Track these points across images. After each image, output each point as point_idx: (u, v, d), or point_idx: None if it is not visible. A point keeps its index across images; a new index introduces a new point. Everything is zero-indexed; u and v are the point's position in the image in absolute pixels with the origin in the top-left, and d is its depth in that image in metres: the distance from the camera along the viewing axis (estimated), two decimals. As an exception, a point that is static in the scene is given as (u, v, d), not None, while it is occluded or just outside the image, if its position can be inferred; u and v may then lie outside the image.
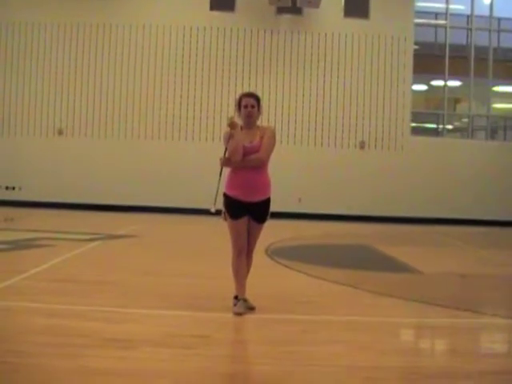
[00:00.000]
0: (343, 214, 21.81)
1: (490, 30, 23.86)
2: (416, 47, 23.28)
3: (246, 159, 6.41)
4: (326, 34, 22.79)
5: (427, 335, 6.30)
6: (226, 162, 6.49)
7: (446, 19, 23.85)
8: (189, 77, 22.55)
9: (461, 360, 5.23)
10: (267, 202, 6.60)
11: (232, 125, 6.41)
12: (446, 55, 23.49)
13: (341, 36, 22.80)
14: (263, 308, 6.64)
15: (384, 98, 22.72)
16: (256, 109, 6.57)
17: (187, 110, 22.49)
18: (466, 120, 24.72)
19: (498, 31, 24.30)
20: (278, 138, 6.76)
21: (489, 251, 14.61)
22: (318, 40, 22.77)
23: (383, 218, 21.70)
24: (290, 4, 21.36)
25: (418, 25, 23.47)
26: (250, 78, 22.38)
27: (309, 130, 22.62)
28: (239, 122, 6.59)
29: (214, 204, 6.64)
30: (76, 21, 22.41)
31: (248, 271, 6.71)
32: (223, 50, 22.61)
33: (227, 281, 6.94)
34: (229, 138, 6.41)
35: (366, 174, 22.30)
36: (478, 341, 6.20)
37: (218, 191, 6.66)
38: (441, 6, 23.93)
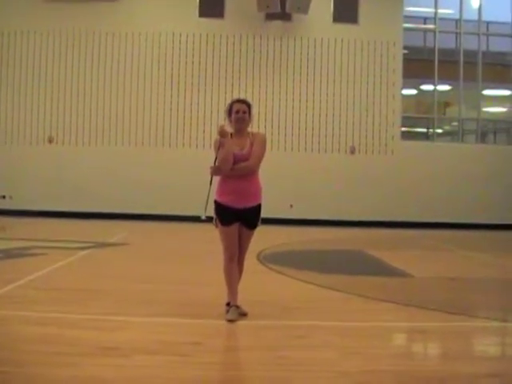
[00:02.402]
0: (335, 220, 21.86)
1: (478, 34, 23.98)
2: (405, 52, 23.38)
3: (236, 167, 6.41)
4: (315, 40, 22.86)
5: (419, 339, 6.30)
6: (216, 170, 6.48)
7: (434, 24, 23.96)
8: (178, 83, 22.56)
9: (453, 363, 5.25)
10: (258, 208, 6.61)
11: (222, 133, 6.40)
12: (436, 59, 23.59)
13: (330, 41, 22.88)
14: (255, 314, 6.65)
15: (374, 103, 22.79)
16: (247, 115, 6.58)
17: (177, 116, 22.50)
18: (455, 124, 24.82)
19: (487, 35, 24.44)
20: (268, 144, 6.76)
21: (479, 254, 14.68)
22: (308, 46, 22.84)
23: (374, 223, 21.75)
24: (279, 10, 21.41)
25: (407, 29, 23.58)
26: (239, 85, 22.41)
27: (299, 136, 22.66)
28: (229, 129, 6.59)
29: (205, 211, 6.64)
30: (65, 29, 22.41)
31: (240, 277, 6.72)
32: (213, 56, 22.65)
33: (219, 287, 6.96)
34: (219, 146, 6.41)
35: (356, 179, 22.36)
36: (470, 344, 6.22)
37: (208, 199, 6.67)
38: (429, 10, 24.04)
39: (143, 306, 7.10)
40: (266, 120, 21.94)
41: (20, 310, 6.63)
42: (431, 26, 24.15)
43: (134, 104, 22.54)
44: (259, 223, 6.65)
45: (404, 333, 6.65)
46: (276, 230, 17.64)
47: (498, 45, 24.87)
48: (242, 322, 6.37)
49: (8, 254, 11.37)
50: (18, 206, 21.75)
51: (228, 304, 6.54)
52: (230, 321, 6.33)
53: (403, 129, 23.56)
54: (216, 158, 6.45)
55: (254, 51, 22.70)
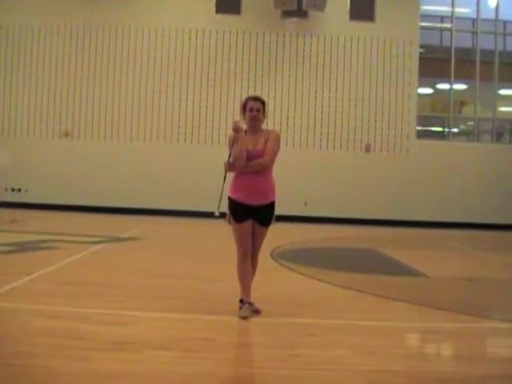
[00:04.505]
0: (349, 218, 21.80)
1: (495, 34, 23.84)
2: (421, 50, 23.26)
3: (250, 164, 6.41)
4: (331, 37, 22.79)
5: (433, 339, 6.25)
6: (229, 166, 6.48)
7: (451, 22, 23.83)
8: (194, 79, 22.57)
9: (467, 364, 5.22)
10: (271, 205, 6.60)
11: (236, 129, 6.40)
12: (452, 58, 23.47)
13: (346, 39, 22.80)
14: (268, 311, 6.64)
15: (390, 101, 22.70)
16: (261, 113, 6.57)
17: (193, 112, 22.50)
18: (471, 123, 24.66)
19: (504, 34, 24.22)
20: (283, 141, 6.77)
21: (494, 254, 14.58)
22: (324, 43, 22.77)
23: (389, 222, 21.67)
24: (295, 7, 21.36)
25: (423, 28, 23.46)
26: (255, 81, 22.39)
27: (314, 133, 22.61)
28: (244, 125, 6.58)
29: (218, 208, 6.62)
30: (82, 23, 22.47)
31: (253, 274, 6.71)
32: (229, 52, 22.63)
33: (232, 284, 6.95)
34: (233, 142, 6.40)
35: (371, 178, 22.28)
36: (485, 345, 6.18)
37: (221, 195, 6.65)
38: (446, 9, 23.91)
39: (156, 301, 7.11)
40: (281, 117, 21.94)
41: (32, 304, 6.65)
42: (448, 25, 24.01)
43: (150, 100, 22.57)
44: (273, 220, 6.64)
45: (417, 333, 6.60)
46: (290, 228, 17.64)
47: (515, 44, 24.72)
48: (254, 319, 6.36)
49: (22, 247, 11.41)
50: (32, 200, 21.84)
51: (241, 301, 6.53)
52: (243, 318, 6.33)
53: (419, 128, 23.46)
54: (230, 155, 6.44)
55: (269, 48, 22.67)
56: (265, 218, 6.57)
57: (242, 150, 6.36)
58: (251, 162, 6.40)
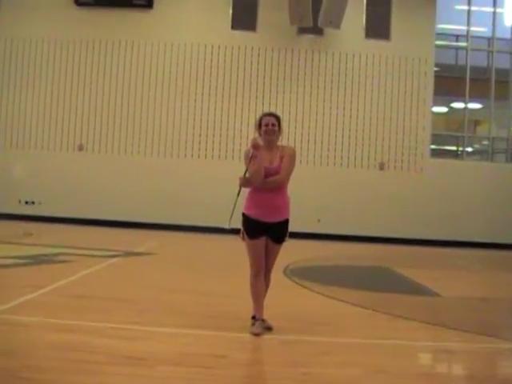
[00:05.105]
0: (362, 236, 21.75)
1: (511, 53, 23.80)
2: (437, 69, 23.27)
3: (266, 181, 6.37)
4: (346, 55, 22.84)
5: (445, 359, 6.19)
6: (245, 182, 6.43)
7: (467, 41, 23.82)
8: (209, 95, 22.64)
9: (480, 386, 5.18)
10: (286, 222, 6.56)
11: (256, 146, 6.35)
12: (467, 77, 23.45)
13: (361, 57, 22.84)
14: (281, 329, 6.61)
15: (404, 120, 22.70)
16: (276, 127, 6.55)
17: (207, 128, 22.57)
18: (486, 142, 24.61)
19: (520, 53, 24.25)
20: (297, 157, 6.70)
21: (508, 274, 14.49)
22: (339, 60, 22.82)
23: (402, 240, 21.60)
24: (311, 24, 21.43)
25: (438, 46, 23.48)
26: (270, 98, 22.43)
27: (328, 151, 22.62)
28: (261, 142, 6.54)
29: (229, 221, 6.54)
30: (98, 37, 22.64)
31: (266, 291, 6.68)
32: (244, 68, 22.71)
33: (245, 300, 6.93)
34: (251, 157, 6.36)
35: (385, 196, 22.24)
36: (498, 366, 6.11)
37: (234, 209, 6.57)
38: (462, 28, 23.92)
39: (169, 317, 7.09)
40: (295, 134, 21.96)
41: (45, 317, 6.64)
42: (463, 44, 24.02)
43: (164, 115, 22.67)
44: (287, 238, 6.59)
45: (430, 353, 6.54)
46: (303, 245, 17.59)
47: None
48: (266, 336, 6.33)
49: (35, 261, 11.43)
50: (46, 212, 21.92)
51: (254, 317, 6.51)
52: (255, 334, 6.30)
53: (433, 146, 23.43)
54: (246, 170, 6.42)
55: (285, 65, 22.73)
56: (278, 235, 6.54)
57: (261, 167, 6.33)
58: (267, 179, 6.38)
